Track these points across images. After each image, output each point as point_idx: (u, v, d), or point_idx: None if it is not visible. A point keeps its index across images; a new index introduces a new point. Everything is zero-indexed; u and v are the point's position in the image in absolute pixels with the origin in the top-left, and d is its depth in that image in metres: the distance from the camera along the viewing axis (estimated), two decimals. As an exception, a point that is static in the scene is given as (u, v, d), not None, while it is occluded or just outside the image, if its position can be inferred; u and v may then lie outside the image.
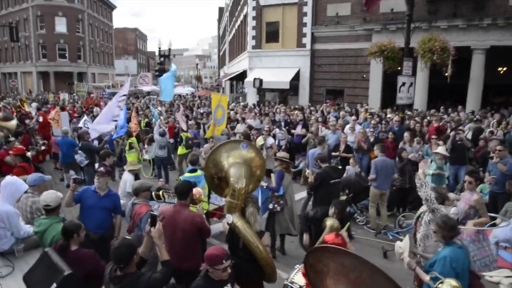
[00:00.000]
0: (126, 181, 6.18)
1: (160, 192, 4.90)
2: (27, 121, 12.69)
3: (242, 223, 3.65)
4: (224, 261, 2.97)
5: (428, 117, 12.40)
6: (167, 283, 3.13)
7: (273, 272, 3.68)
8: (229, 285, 3.13)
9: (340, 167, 8.09)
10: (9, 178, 4.66)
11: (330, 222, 4.13)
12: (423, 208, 4.71)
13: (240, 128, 11.75)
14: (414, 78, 11.79)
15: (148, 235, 3.21)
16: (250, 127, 11.18)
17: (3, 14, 46.05)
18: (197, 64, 52.93)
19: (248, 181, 3.83)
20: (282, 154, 6.41)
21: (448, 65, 12.31)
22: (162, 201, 4.92)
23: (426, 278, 3.44)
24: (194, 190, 5.26)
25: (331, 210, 4.54)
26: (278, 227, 6.08)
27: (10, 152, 7.20)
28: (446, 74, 12.54)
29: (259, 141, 9.76)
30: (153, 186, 5.22)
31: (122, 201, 5.70)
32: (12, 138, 8.50)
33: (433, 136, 8.78)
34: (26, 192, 4.67)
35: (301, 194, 8.47)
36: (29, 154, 7.98)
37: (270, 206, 5.92)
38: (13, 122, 5.67)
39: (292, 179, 9.66)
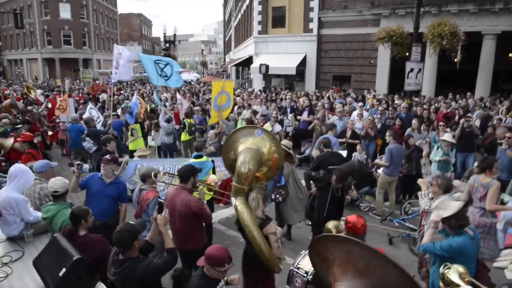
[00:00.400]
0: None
1: (161, 174, 4.90)
2: (29, 107, 12.80)
3: (242, 207, 3.63)
4: (226, 265, 2.90)
5: (436, 104, 12.25)
6: (168, 270, 3.10)
7: (270, 260, 3.54)
8: (222, 281, 3.08)
9: (345, 152, 8.06)
10: (20, 167, 4.70)
11: (331, 224, 3.98)
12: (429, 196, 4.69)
13: (246, 114, 11.70)
14: (423, 64, 11.62)
15: (155, 222, 3.23)
16: (254, 112, 11.14)
17: (7, 1, 45.87)
18: (202, 50, 52.74)
19: (255, 167, 3.80)
20: (284, 142, 6.36)
21: (458, 50, 12.08)
22: (167, 184, 4.96)
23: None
24: (209, 179, 5.31)
25: (332, 178, 4.59)
26: (280, 217, 6.15)
27: (18, 138, 7.27)
28: (455, 60, 12.33)
29: (267, 127, 9.73)
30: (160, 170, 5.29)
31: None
32: (19, 125, 8.58)
33: (441, 123, 8.68)
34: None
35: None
36: (35, 140, 8.08)
37: (272, 196, 5.93)
38: (9, 142, 5.75)
39: (298, 165, 9.75)
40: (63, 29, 43.19)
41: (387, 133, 7.52)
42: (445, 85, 17.88)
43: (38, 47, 43.61)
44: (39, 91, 17.66)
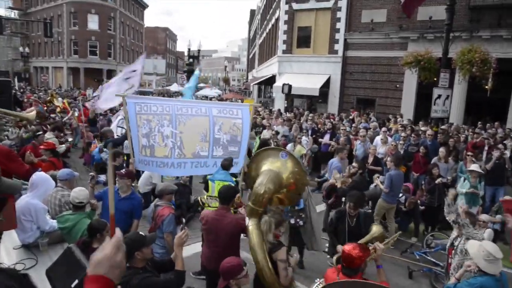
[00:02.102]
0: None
1: (205, 197, 4.87)
2: (52, 115, 13.09)
3: (253, 228, 3.61)
4: (244, 268, 2.95)
5: (465, 132, 11.83)
6: None
7: (271, 286, 3.46)
8: None
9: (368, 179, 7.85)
10: (41, 175, 4.77)
11: (375, 228, 3.94)
12: (455, 233, 4.46)
13: (266, 134, 11.61)
14: (451, 91, 11.30)
15: (168, 238, 3.22)
16: (276, 133, 11.04)
17: (39, 10, 48.04)
18: (225, 67, 53.33)
19: (272, 189, 3.78)
20: None
21: (489, 78, 11.68)
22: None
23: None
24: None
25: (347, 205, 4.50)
26: (298, 242, 5.96)
27: (41, 146, 7.37)
28: (486, 87, 11.93)
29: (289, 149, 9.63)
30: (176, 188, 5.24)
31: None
32: (40, 132, 8.75)
33: (469, 153, 8.33)
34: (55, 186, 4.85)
35: (321, 207, 8.18)
36: (63, 147, 8.25)
37: (292, 221, 5.73)
38: (32, 114, 5.87)
39: (316, 189, 9.53)
40: (89, 40, 44.56)
41: (389, 159, 7.34)
42: (475, 114, 17.32)
43: (64, 56, 45.08)
44: (60, 99, 18.13)
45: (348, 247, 3.24)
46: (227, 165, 5.92)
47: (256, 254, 3.47)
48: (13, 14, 49.88)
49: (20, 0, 49.72)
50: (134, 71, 9.68)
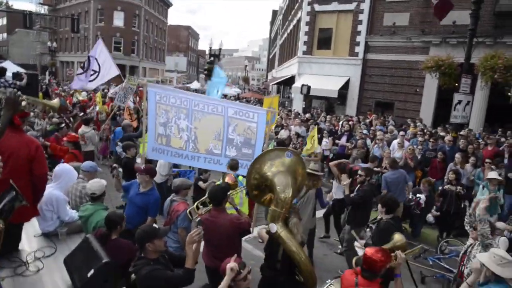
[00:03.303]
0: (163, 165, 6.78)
1: (194, 206, 4.58)
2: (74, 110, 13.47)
3: (286, 233, 3.54)
4: (241, 271, 2.88)
5: (485, 139, 11.60)
6: (176, 286, 3.08)
7: (315, 284, 3.57)
8: None
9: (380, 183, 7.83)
10: (64, 166, 4.96)
11: (397, 237, 3.92)
12: (471, 241, 4.43)
13: (283, 134, 11.69)
14: (472, 96, 11.13)
15: (182, 234, 3.25)
16: (297, 135, 11.09)
17: (67, 6, 49.28)
18: (245, 66, 53.51)
19: (294, 192, 3.76)
20: (311, 166, 6.28)
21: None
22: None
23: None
24: (227, 178, 5.13)
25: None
26: None
27: (64, 138, 7.67)
28: (509, 94, 11.69)
29: (308, 150, 9.68)
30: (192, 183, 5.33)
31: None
32: (63, 124, 9.02)
33: (488, 160, 8.21)
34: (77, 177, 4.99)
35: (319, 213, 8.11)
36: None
37: None
38: (56, 101, 6.12)
39: (330, 190, 9.52)
40: (114, 36, 45.29)
41: (386, 161, 7.32)
42: (496, 120, 16.94)
43: (89, 51, 45.79)
44: (84, 93, 18.55)
45: (370, 250, 3.25)
46: (234, 164, 5.93)
47: (303, 258, 3.48)
48: (43, 9, 51.25)
49: (50, -4, 51.29)
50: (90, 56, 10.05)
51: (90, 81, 12.00)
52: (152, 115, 5.90)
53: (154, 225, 3.34)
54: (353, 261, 3.56)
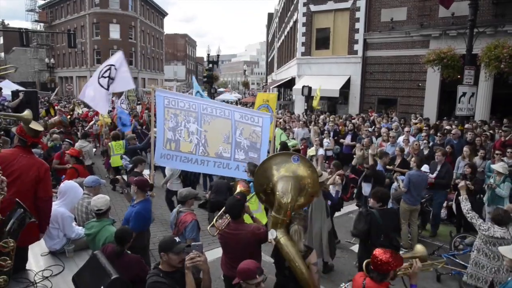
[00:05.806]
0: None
1: (214, 220, 4.30)
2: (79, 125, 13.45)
3: (285, 240, 3.48)
4: (257, 276, 2.84)
5: (491, 131, 11.44)
6: None
7: None
8: None
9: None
10: (69, 183, 4.92)
11: (419, 248, 3.73)
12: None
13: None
14: (476, 88, 10.99)
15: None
16: (303, 139, 11.03)
17: (63, 22, 49.76)
18: (244, 71, 53.48)
19: (296, 196, 3.63)
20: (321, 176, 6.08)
21: (517, 74, 11.29)
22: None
23: None
24: (239, 185, 4.94)
25: None
26: None
27: (67, 152, 7.61)
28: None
29: (311, 152, 9.56)
30: (199, 193, 5.21)
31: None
32: (67, 140, 9.00)
33: (497, 152, 8.06)
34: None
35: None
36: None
37: None
38: (27, 112, 6.06)
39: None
40: (112, 49, 45.26)
41: (412, 159, 7.14)
42: (502, 111, 16.77)
43: (87, 65, 46.38)
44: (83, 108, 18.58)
45: (379, 250, 3.17)
46: (253, 171, 5.67)
47: (300, 267, 3.40)
48: (39, 26, 51.72)
49: (45, 13, 51.62)
50: (110, 65, 9.79)
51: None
52: (161, 121, 5.88)
53: (177, 239, 3.19)
54: (364, 264, 3.44)
